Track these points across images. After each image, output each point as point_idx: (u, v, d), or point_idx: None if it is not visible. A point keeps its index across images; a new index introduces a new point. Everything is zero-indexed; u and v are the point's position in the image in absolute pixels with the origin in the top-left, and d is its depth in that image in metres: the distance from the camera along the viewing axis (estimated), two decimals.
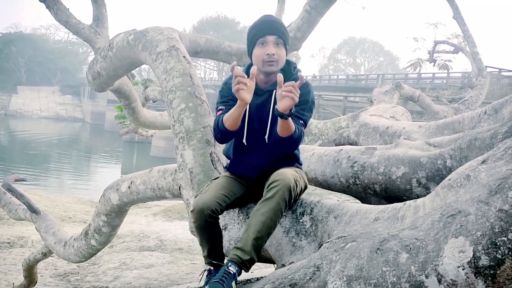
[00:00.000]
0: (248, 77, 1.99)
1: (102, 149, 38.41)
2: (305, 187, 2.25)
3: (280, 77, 1.88)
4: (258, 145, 2.25)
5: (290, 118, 1.95)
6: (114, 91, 6.27)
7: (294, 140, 2.07)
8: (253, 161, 2.28)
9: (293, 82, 1.86)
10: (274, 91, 2.15)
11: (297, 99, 1.86)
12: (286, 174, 2.03)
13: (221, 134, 2.17)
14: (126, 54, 3.82)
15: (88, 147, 39.96)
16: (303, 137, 2.13)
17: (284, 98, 1.86)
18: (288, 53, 2.35)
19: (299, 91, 1.87)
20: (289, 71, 2.24)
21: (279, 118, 1.96)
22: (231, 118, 2.08)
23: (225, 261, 2.07)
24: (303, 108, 2.17)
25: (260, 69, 2.18)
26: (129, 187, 3.35)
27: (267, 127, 2.20)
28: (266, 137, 2.20)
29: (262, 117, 2.22)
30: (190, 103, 2.94)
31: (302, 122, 2.15)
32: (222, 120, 2.13)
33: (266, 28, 2.15)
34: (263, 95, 2.22)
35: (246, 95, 1.96)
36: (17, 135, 43.12)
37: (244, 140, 2.24)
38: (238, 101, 1.99)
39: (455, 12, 9.56)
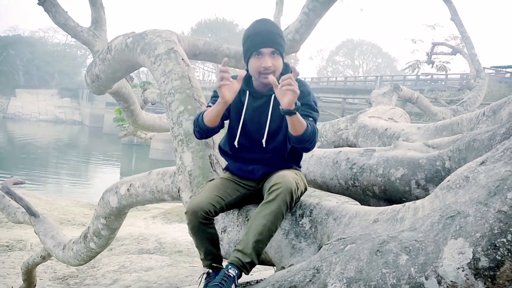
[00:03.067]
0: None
1: (101, 151, 38.35)
2: (305, 190, 2.25)
3: (272, 78, 1.91)
4: (254, 148, 2.26)
5: (298, 114, 1.93)
6: (112, 94, 6.27)
7: (309, 136, 2.03)
8: (251, 165, 2.29)
9: (289, 74, 1.86)
10: (273, 95, 2.17)
11: (297, 90, 1.84)
12: (287, 177, 2.03)
13: (199, 127, 2.20)
14: (125, 57, 3.82)
15: (86, 149, 39.87)
16: (317, 132, 2.11)
17: (285, 94, 1.85)
18: (287, 55, 2.36)
19: (296, 83, 1.86)
20: (286, 73, 2.24)
21: (287, 118, 1.94)
22: (209, 114, 2.11)
23: (224, 263, 2.07)
24: (309, 107, 2.16)
25: (256, 79, 2.19)
26: (128, 189, 3.35)
27: (264, 131, 2.21)
28: (264, 140, 2.20)
29: (260, 120, 2.23)
30: (189, 106, 2.94)
31: (311, 119, 2.13)
32: (203, 119, 2.15)
33: (262, 41, 2.11)
34: (262, 98, 2.24)
35: (227, 93, 1.98)
36: (16, 138, 43.03)
37: (235, 143, 2.25)
38: (219, 98, 2.02)
39: (452, 14, 9.59)
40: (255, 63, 2.13)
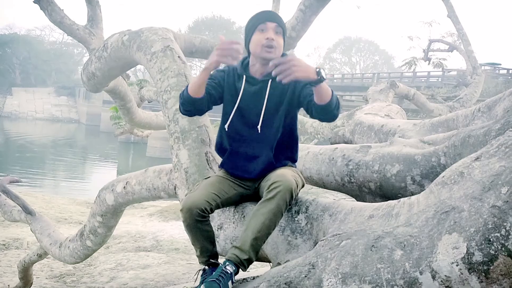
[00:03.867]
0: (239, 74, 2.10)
1: (97, 150, 38.27)
2: (302, 186, 2.25)
3: (275, 61, 1.81)
4: (249, 135, 2.26)
5: (324, 82, 1.87)
6: (109, 92, 6.26)
7: (335, 99, 1.98)
8: (246, 163, 2.27)
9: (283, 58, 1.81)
10: (270, 80, 2.17)
11: (298, 64, 1.78)
12: (287, 176, 2.03)
13: (183, 99, 2.15)
14: (121, 54, 3.82)
15: (83, 148, 39.74)
16: (339, 103, 2.04)
17: (297, 72, 1.78)
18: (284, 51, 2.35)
19: (296, 59, 1.80)
20: None
21: (315, 89, 1.91)
22: (193, 83, 2.08)
23: (220, 260, 2.08)
24: None
25: (258, 55, 2.15)
26: (124, 187, 3.35)
27: (259, 117, 2.20)
28: (259, 126, 2.21)
29: (256, 106, 2.22)
30: None
31: None
32: (187, 88, 2.12)
33: (267, 16, 2.15)
34: (258, 84, 2.22)
35: (220, 58, 1.91)
36: (12, 137, 42.86)
37: (226, 126, 2.25)
38: (207, 61, 1.98)
39: (449, 10, 9.59)
40: (258, 36, 2.12)
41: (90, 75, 4.43)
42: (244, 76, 2.23)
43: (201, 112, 2.27)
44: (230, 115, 2.26)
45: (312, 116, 2.13)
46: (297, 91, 2.16)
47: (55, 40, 71.42)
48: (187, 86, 2.14)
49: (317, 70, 1.83)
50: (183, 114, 2.26)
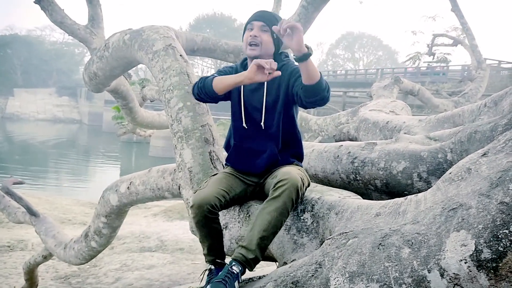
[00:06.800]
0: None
1: (100, 150, 38.30)
2: (308, 185, 2.24)
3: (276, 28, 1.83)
4: (256, 131, 2.28)
5: (311, 59, 1.85)
6: (111, 92, 6.26)
7: (324, 81, 1.94)
8: (253, 157, 2.29)
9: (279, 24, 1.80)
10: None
11: (297, 25, 1.77)
12: (292, 174, 2.02)
13: (204, 87, 2.20)
14: (122, 54, 3.81)
15: (86, 148, 39.76)
16: (329, 86, 2.01)
17: (291, 38, 1.79)
18: (285, 49, 2.36)
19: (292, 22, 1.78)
20: (280, 59, 2.27)
21: (302, 66, 1.87)
22: (224, 82, 2.12)
23: (227, 260, 2.06)
24: None
25: (245, 52, 2.25)
26: (128, 187, 3.34)
27: (261, 113, 2.24)
28: (262, 123, 2.25)
29: (255, 104, 2.27)
30: (187, 102, 2.93)
31: None
32: (213, 80, 2.16)
33: (255, 15, 2.25)
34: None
35: (258, 75, 1.96)
36: (15, 138, 42.97)
37: (244, 124, 2.29)
38: (242, 73, 2.02)
39: (453, 4, 9.56)
40: (246, 35, 2.24)
41: (92, 75, 4.43)
42: None
43: (211, 102, 2.34)
44: (236, 112, 2.32)
45: (303, 104, 2.08)
46: (290, 84, 2.18)
47: (56, 40, 71.46)
48: (212, 78, 2.19)
49: (308, 47, 1.84)
50: (194, 97, 2.32)
